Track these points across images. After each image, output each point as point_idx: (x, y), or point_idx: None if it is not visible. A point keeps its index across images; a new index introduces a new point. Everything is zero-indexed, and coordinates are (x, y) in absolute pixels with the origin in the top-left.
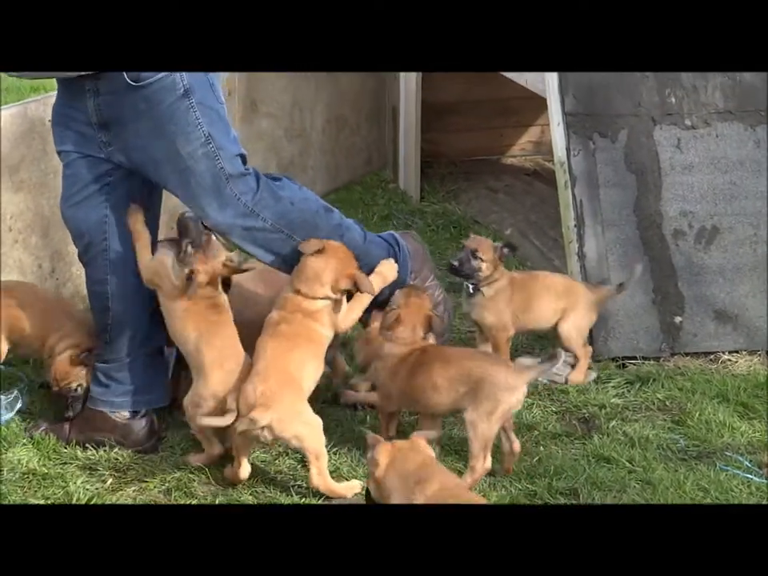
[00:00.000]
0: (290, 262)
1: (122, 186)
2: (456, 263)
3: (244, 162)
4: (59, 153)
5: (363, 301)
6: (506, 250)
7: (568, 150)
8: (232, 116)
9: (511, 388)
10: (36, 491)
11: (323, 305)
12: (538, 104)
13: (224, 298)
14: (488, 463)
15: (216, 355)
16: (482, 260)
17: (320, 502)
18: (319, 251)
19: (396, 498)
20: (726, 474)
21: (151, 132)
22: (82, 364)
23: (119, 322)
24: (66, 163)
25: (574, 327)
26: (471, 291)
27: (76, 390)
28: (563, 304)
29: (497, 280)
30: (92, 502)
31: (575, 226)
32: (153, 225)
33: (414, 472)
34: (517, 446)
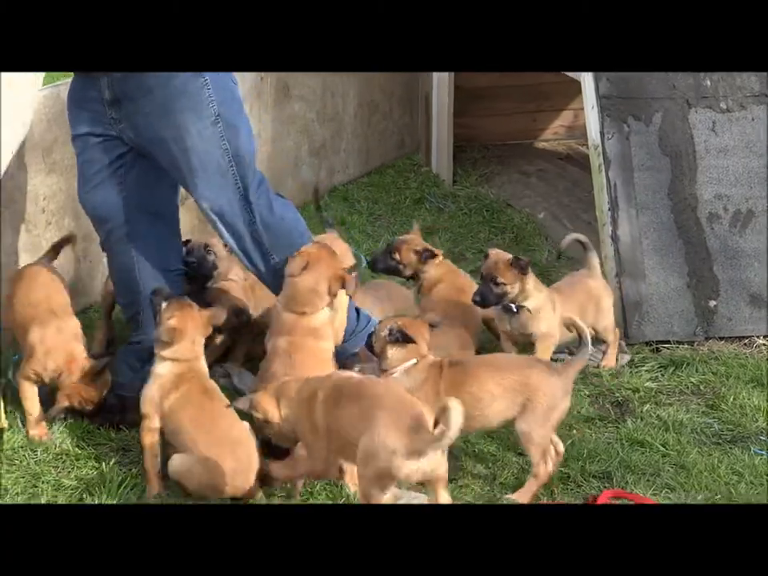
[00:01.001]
0: (253, 258)
1: (136, 166)
2: (478, 298)
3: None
4: (74, 138)
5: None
6: (521, 262)
7: (602, 133)
8: (264, 100)
9: (564, 394)
10: (69, 471)
11: (325, 317)
12: (570, 88)
13: None
14: (550, 467)
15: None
16: (504, 284)
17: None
18: (305, 267)
19: None
20: (761, 459)
21: (160, 108)
22: (99, 375)
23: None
24: (79, 150)
25: (610, 319)
26: (515, 310)
27: (109, 392)
28: (593, 306)
29: (533, 294)
30: (125, 483)
31: (609, 209)
32: (173, 204)
33: None
34: (561, 448)
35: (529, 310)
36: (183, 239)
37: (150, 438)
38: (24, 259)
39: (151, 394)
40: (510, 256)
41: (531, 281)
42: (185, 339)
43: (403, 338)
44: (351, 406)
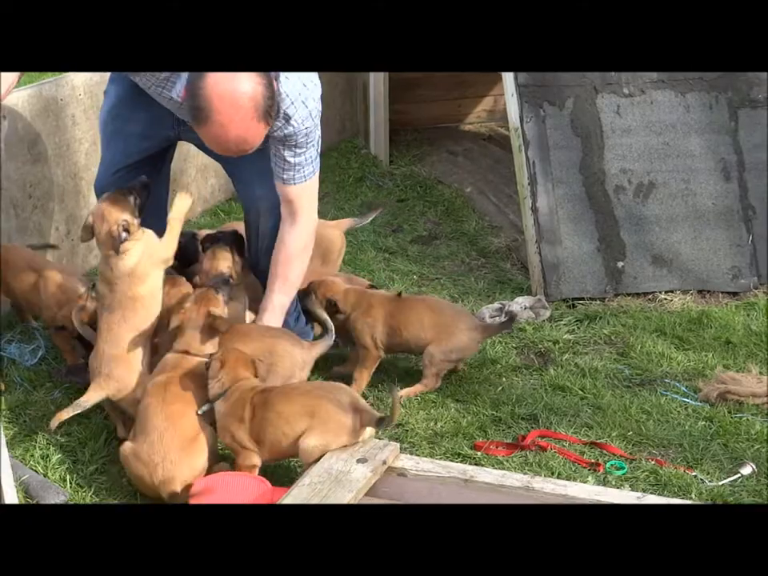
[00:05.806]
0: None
1: (161, 159)
2: None
3: None
4: (115, 131)
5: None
6: None
7: (521, 117)
8: None
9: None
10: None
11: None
12: (491, 77)
13: None
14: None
15: None
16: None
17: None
18: None
19: None
20: (666, 399)
21: None
22: None
23: None
24: (114, 141)
25: None
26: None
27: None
28: None
29: None
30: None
31: (529, 184)
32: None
33: None
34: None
35: None
36: None
37: None
38: (15, 239)
39: None
40: None
41: None
42: None
43: None
44: None
